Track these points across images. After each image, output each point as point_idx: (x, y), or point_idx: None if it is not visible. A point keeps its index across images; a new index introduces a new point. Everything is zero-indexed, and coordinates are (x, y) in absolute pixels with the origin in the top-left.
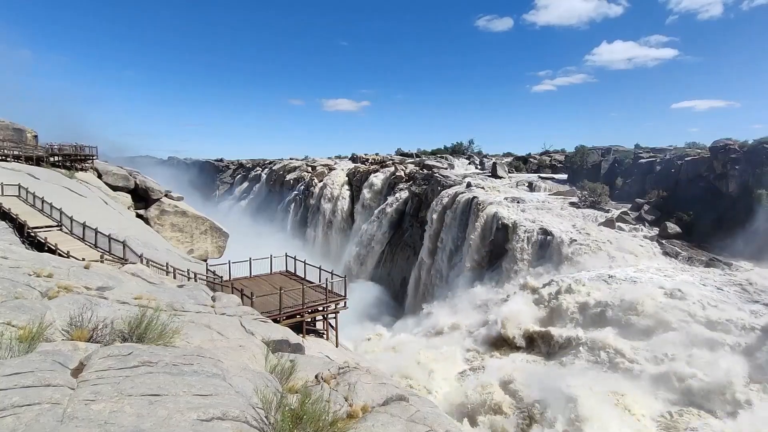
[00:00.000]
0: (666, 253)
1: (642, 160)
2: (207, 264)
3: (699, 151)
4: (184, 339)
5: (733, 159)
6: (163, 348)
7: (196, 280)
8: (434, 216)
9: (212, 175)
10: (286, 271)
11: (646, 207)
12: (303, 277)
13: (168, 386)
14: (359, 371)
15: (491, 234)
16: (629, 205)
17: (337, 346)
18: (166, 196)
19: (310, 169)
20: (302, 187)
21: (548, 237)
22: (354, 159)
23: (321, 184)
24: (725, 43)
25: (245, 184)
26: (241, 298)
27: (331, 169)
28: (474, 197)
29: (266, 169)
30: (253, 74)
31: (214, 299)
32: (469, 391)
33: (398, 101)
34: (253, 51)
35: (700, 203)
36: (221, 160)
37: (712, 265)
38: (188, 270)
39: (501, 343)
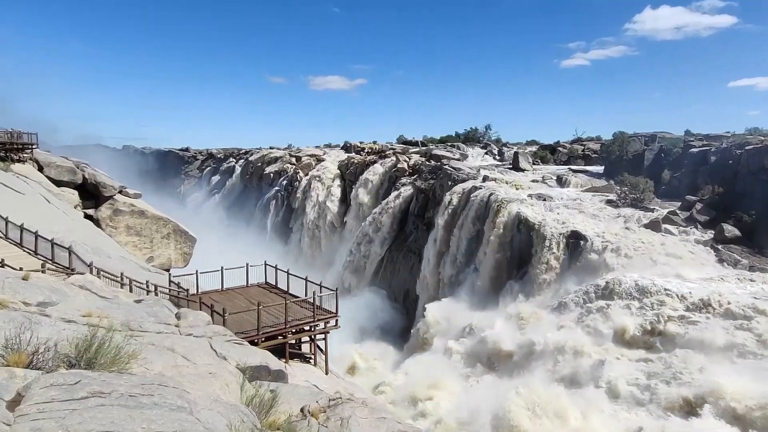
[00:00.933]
0: (722, 260)
1: (693, 150)
2: (170, 274)
3: (762, 138)
4: (142, 365)
5: None
6: (118, 375)
7: (156, 294)
8: (443, 217)
9: (176, 167)
10: (266, 282)
11: (698, 206)
12: (286, 290)
13: (123, 421)
14: (353, 404)
15: (514, 238)
16: (678, 204)
17: (327, 373)
18: (120, 192)
19: (294, 160)
20: (285, 182)
21: (581, 242)
22: (347, 148)
23: (307, 178)
24: None
25: (216, 178)
26: (211, 316)
27: (319, 160)
28: (492, 194)
29: (241, 161)
30: (225, 47)
31: (178, 317)
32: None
33: (400, 79)
34: (226, 20)
35: (764, 201)
36: (187, 150)
37: None
38: (147, 282)
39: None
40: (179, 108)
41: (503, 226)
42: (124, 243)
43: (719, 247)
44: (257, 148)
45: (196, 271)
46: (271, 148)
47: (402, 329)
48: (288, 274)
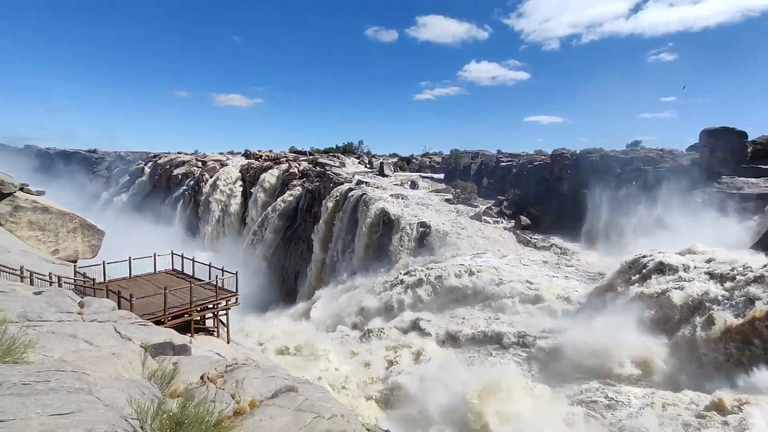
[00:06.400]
0: (520, 242)
1: (502, 164)
2: (75, 265)
3: (543, 157)
4: (40, 353)
5: (566, 165)
6: (11, 366)
7: (60, 285)
8: (327, 211)
9: (84, 167)
10: (173, 269)
11: (505, 203)
12: (192, 275)
13: (15, 410)
14: (248, 367)
15: (379, 227)
16: (492, 201)
17: (228, 343)
18: (21, 190)
19: (200, 163)
20: (192, 182)
21: (427, 229)
22: (247, 155)
23: (212, 179)
24: (561, 71)
25: (125, 178)
26: (118, 302)
27: (223, 164)
28: (363, 194)
29: (150, 163)
30: (130, 58)
31: (81, 305)
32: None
33: (292, 100)
34: (130, 31)
35: (544, 200)
36: (95, 151)
37: (552, 251)
38: (50, 274)
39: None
40: (84, 111)
41: (372, 219)
42: (26, 237)
43: (518, 231)
44: (165, 153)
45: (103, 261)
46: (178, 152)
47: (291, 301)
48: (193, 261)
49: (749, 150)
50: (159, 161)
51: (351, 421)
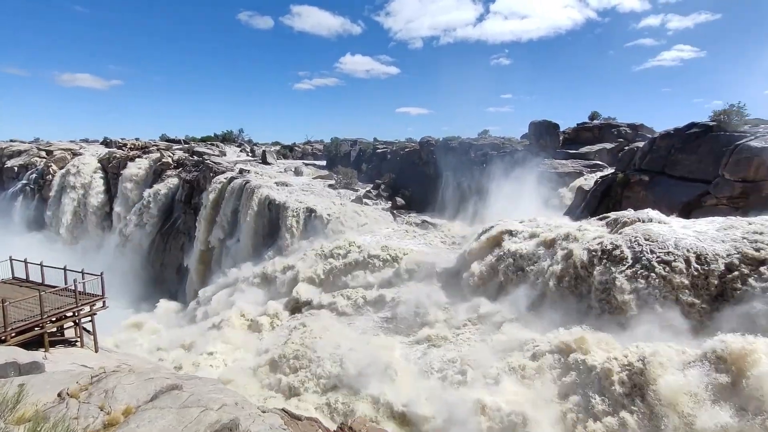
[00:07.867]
0: (396, 220)
1: (379, 150)
2: None
3: (413, 144)
4: None
5: (432, 150)
6: None
7: None
8: (209, 201)
9: None
10: (13, 278)
11: (382, 186)
12: (41, 282)
13: None
14: (119, 374)
15: (265, 215)
16: (371, 185)
17: (96, 351)
18: None
19: (44, 153)
20: (33, 175)
21: (313, 214)
22: (108, 143)
23: (63, 171)
24: (425, 67)
25: None
26: None
27: (75, 154)
28: (247, 182)
29: None
30: None
31: None
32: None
33: (159, 83)
34: None
35: (415, 182)
36: None
37: (423, 226)
38: None
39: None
40: None
41: (257, 206)
42: None
43: (394, 211)
44: None
45: None
46: (11, 141)
47: (173, 297)
48: (41, 266)
49: (561, 138)
50: None
51: (245, 407)
